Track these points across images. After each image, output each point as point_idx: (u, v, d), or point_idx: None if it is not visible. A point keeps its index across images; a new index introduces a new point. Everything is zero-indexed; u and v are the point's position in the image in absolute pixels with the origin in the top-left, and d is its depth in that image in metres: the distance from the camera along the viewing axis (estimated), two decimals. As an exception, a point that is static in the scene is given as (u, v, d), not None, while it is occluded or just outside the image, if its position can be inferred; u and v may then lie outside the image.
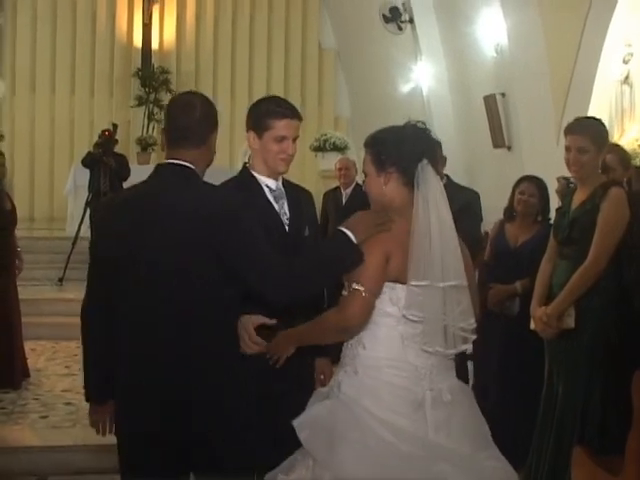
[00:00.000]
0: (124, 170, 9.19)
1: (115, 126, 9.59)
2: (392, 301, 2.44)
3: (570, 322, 3.55)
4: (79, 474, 4.40)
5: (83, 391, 2.72)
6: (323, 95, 13.90)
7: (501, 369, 4.43)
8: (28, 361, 6.15)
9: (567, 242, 3.64)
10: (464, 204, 4.42)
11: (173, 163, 2.54)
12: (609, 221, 3.50)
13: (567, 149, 3.63)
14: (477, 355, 3.94)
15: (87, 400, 2.70)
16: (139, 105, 12.87)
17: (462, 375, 2.87)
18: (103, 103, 13.37)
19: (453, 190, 4.11)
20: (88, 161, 9.33)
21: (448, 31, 9.61)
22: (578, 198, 3.67)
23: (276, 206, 2.91)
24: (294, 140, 2.88)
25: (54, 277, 8.89)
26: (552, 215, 4.22)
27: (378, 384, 2.44)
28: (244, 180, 2.93)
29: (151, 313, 2.46)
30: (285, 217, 2.91)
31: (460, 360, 2.96)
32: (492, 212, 5.15)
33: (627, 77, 8.19)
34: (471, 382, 4.52)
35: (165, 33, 13.55)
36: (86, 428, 2.76)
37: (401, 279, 2.43)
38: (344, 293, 2.49)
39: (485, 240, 5.03)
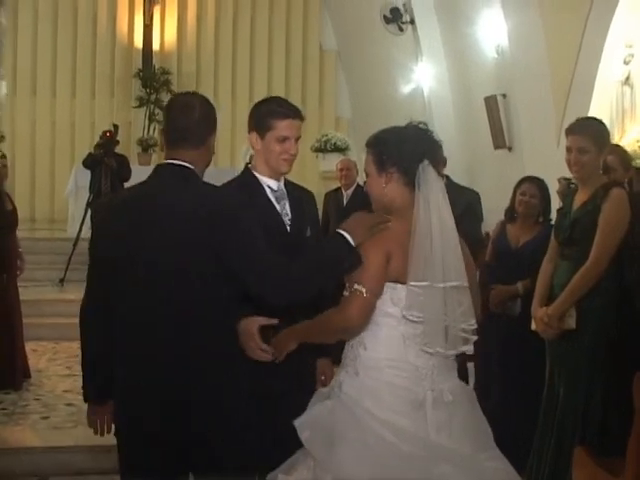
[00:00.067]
0: (125, 171, 9.20)
1: (116, 127, 9.59)
2: (393, 301, 2.44)
3: (571, 323, 3.55)
4: (80, 475, 4.40)
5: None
6: (324, 96, 13.91)
7: (502, 369, 4.43)
8: (29, 362, 6.15)
9: (568, 243, 3.64)
10: (465, 205, 4.43)
11: (172, 164, 2.54)
12: (610, 222, 3.50)
13: (568, 150, 3.63)
14: (478, 355, 3.94)
15: (85, 400, 2.70)
16: (140, 106, 12.89)
17: (462, 376, 2.86)
18: (104, 104, 13.38)
19: (453, 191, 4.11)
20: (89, 162, 9.34)
21: (449, 32, 9.62)
22: (579, 199, 3.67)
23: (278, 207, 2.91)
24: (296, 140, 2.88)
25: (55, 278, 8.89)
26: (553, 216, 4.22)
27: (379, 384, 2.44)
28: (246, 181, 2.93)
29: (150, 313, 2.46)
30: (287, 218, 2.91)
31: (461, 361, 2.97)
32: (493, 213, 5.15)
33: (628, 78, 8.20)
34: (471, 382, 4.52)
35: (166, 34, 13.56)
36: (87, 429, 2.75)
37: (401, 279, 2.43)
38: (345, 293, 2.49)
39: (486, 241, 5.04)
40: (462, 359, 3.61)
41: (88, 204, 9.03)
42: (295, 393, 2.72)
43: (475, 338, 2.51)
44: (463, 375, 3.73)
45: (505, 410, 4.16)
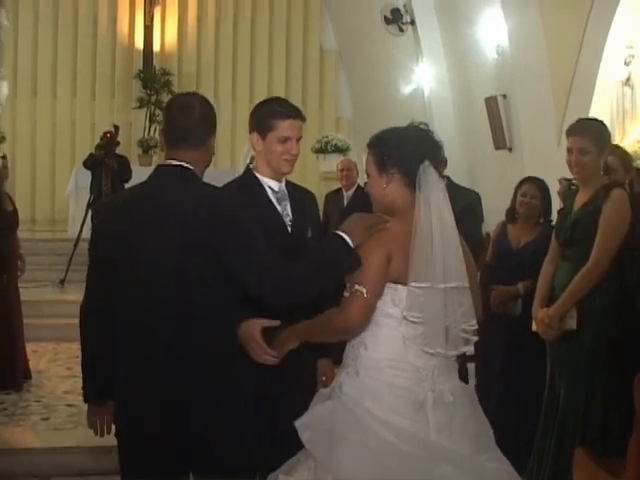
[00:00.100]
0: (126, 172, 9.20)
1: (117, 128, 9.60)
2: (394, 302, 2.44)
3: (572, 323, 3.55)
4: (81, 475, 4.40)
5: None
6: (324, 97, 13.92)
7: (503, 370, 4.43)
8: (30, 363, 6.15)
9: (569, 243, 3.64)
10: (465, 205, 4.43)
11: (173, 164, 2.54)
12: (611, 222, 3.50)
13: (569, 150, 3.63)
14: (479, 356, 3.94)
15: (85, 401, 2.69)
16: (140, 107, 12.90)
17: (462, 376, 2.86)
18: (104, 105, 13.39)
19: (454, 191, 4.10)
20: (90, 163, 9.34)
21: (449, 33, 9.62)
22: (580, 200, 3.67)
23: (279, 208, 2.91)
24: (298, 140, 2.88)
25: (56, 279, 8.89)
26: (554, 217, 4.22)
27: (379, 385, 2.44)
28: (247, 181, 2.93)
29: (150, 314, 2.46)
30: (288, 219, 2.91)
31: (461, 361, 2.96)
32: (493, 213, 5.15)
33: (628, 78, 8.20)
34: (471, 383, 4.51)
35: (166, 35, 13.57)
36: (88, 430, 2.74)
37: (402, 280, 2.43)
38: (346, 294, 2.49)
39: (487, 241, 5.03)
40: (462, 360, 3.60)
41: (89, 205, 9.04)
42: (294, 393, 2.72)
43: (476, 339, 2.50)
44: (463, 376, 3.72)
45: (506, 411, 4.16)
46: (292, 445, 2.48)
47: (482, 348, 3.02)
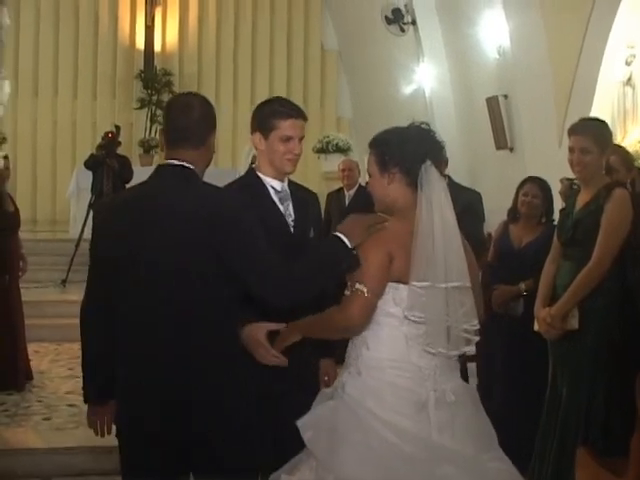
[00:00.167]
0: (127, 172, 9.20)
1: (118, 128, 9.60)
2: (395, 301, 2.44)
3: (574, 323, 3.55)
4: (82, 475, 4.39)
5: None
6: (325, 97, 13.92)
7: (505, 370, 4.43)
8: (31, 363, 6.16)
9: (571, 243, 3.64)
10: (466, 205, 4.43)
11: (173, 164, 2.54)
12: (613, 222, 3.50)
13: (570, 150, 3.62)
14: (481, 356, 3.94)
15: (85, 401, 2.69)
16: (141, 107, 12.91)
17: (462, 376, 2.86)
18: (105, 105, 13.40)
19: (455, 191, 4.09)
20: (91, 163, 9.35)
21: (450, 33, 9.62)
22: (582, 199, 3.67)
23: (281, 207, 2.91)
24: (300, 140, 2.88)
25: (57, 279, 8.90)
26: (556, 216, 4.22)
27: (381, 385, 2.44)
28: (250, 181, 2.93)
29: (151, 313, 2.46)
30: (290, 218, 2.91)
31: (462, 361, 2.96)
32: (495, 213, 5.15)
33: (630, 79, 8.19)
34: (472, 383, 4.51)
35: (167, 35, 13.58)
36: (89, 430, 2.74)
37: (404, 280, 2.43)
38: (347, 293, 2.49)
39: (488, 241, 5.03)
40: (463, 359, 3.60)
41: (90, 205, 9.04)
42: (296, 393, 2.72)
43: (477, 338, 2.50)
44: (463, 375, 3.72)
45: (507, 410, 4.16)
46: (294, 445, 2.47)
47: (484, 348, 3.01)
